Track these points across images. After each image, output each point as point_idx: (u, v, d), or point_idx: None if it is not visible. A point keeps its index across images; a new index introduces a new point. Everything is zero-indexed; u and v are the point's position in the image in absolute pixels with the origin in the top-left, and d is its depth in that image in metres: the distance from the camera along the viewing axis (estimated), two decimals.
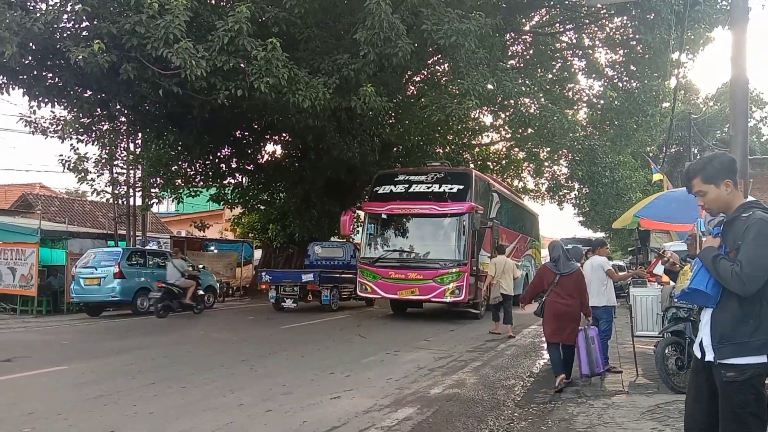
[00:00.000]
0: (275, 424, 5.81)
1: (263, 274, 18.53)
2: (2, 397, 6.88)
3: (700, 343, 3.05)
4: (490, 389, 7.51)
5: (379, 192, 16.59)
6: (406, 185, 16.28)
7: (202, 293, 17.42)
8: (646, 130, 24.84)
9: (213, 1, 15.58)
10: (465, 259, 15.03)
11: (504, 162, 31.86)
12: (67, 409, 6.19)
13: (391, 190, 16.37)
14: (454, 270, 14.86)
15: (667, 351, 7.12)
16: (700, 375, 3.08)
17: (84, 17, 12.62)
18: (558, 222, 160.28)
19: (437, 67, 24.14)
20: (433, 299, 15.29)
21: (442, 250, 15.45)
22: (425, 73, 24.65)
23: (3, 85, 14.25)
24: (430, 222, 16.01)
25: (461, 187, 15.81)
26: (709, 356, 2.96)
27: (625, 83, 23.29)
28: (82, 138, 19.57)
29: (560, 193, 32.67)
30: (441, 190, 15.85)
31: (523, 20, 23.51)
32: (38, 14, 12.48)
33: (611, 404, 6.48)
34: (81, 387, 7.37)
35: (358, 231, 21.30)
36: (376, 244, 16.36)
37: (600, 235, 40.49)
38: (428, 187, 16.01)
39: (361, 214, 18.43)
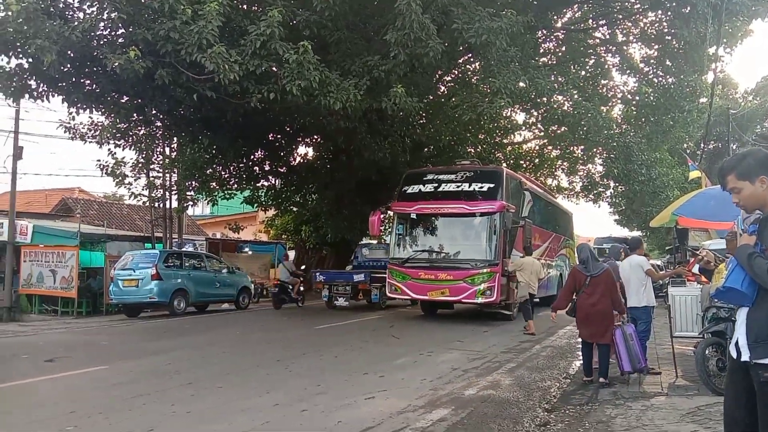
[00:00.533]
0: (310, 424, 5.85)
1: (317, 274, 19.56)
2: (45, 396, 7.06)
3: (736, 343, 2.97)
4: (526, 390, 7.43)
5: (407, 192, 16.36)
6: (435, 184, 16.04)
7: (302, 289, 20.30)
8: (683, 127, 24.33)
9: (245, 6, 15.74)
10: (496, 259, 14.73)
11: (537, 160, 31.53)
12: (107, 408, 6.33)
13: (419, 190, 16.15)
14: (485, 270, 14.58)
15: (707, 352, 6.96)
16: (737, 375, 3.00)
17: (120, 24, 12.89)
18: (593, 221, 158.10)
19: (468, 66, 24.01)
20: (464, 300, 15.02)
21: (473, 250, 15.16)
22: (456, 72, 24.54)
23: (43, 93, 14.63)
24: (460, 221, 15.71)
25: (492, 185, 15.47)
26: (745, 356, 2.88)
27: (660, 79, 22.83)
28: (119, 143, 20.01)
29: (595, 191, 32.17)
30: (471, 188, 15.56)
31: (555, 17, 23.23)
32: (76, 23, 12.79)
33: (650, 406, 6.36)
34: (120, 386, 7.53)
35: (389, 231, 21.32)
36: (405, 245, 16.14)
37: (636, 233, 39.81)
38: (458, 186, 15.74)
39: (390, 214, 18.26)
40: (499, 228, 14.83)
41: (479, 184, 15.57)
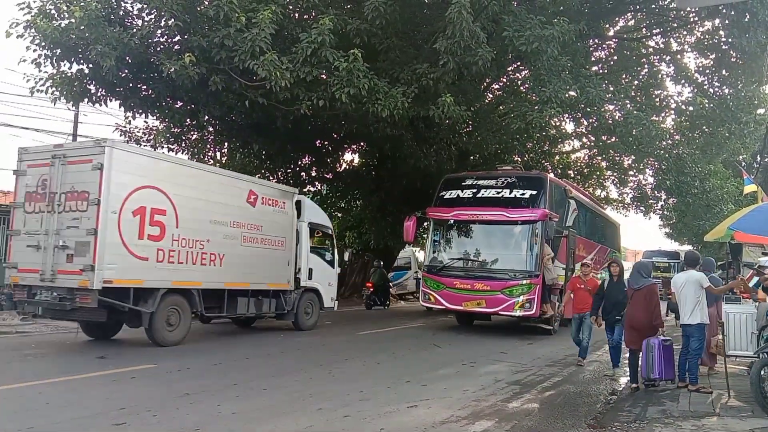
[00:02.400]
0: (353, 430, 5.88)
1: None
2: (96, 391, 7.27)
3: None
4: (571, 406, 7.31)
5: (445, 197, 15.77)
6: (475, 190, 15.43)
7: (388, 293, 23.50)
8: (739, 138, 23.48)
9: (297, 15, 16.01)
10: (537, 270, 14.12)
11: (586, 171, 30.98)
12: (155, 406, 6.48)
13: (458, 195, 15.56)
14: (524, 282, 14.01)
15: (763, 372, 6.70)
16: None
17: (176, 32, 13.30)
18: (642, 233, 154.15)
19: (517, 75, 23.81)
20: (501, 312, 14.40)
21: (512, 259, 14.55)
22: (504, 80, 24.35)
23: (102, 97, 15.17)
24: (499, 229, 15.02)
25: (534, 192, 14.87)
26: None
27: (716, 89, 22.16)
28: (172, 147, 20.53)
29: (646, 203, 31.41)
30: (512, 195, 14.93)
31: (607, 26, 22.85)
32: (135, 30, 13.25)
33: (701, 426, 6.17)
34: (169, 385, 7.71)
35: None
36: (441, 252, 15.54)
37: (687, 247, 38.74)
38: (498, 192, 15.11)
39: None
40: (540, 237, 14.22)
41: (521, 191, 15.00)
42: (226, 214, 11.99)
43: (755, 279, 10.51)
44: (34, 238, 10.09)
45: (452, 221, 15.32)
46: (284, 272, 13.65)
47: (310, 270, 14.46)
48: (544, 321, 15.06)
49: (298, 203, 14.31)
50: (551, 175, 17.76)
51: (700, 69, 22.90)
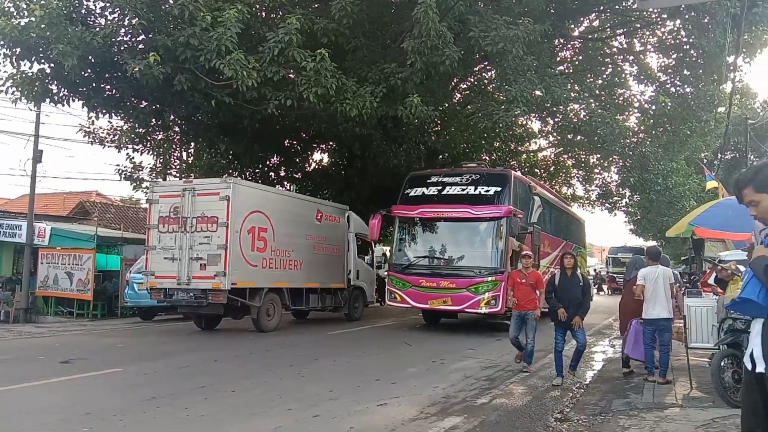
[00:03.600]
0: (323, 430, 5.87)
1: None
2: (61, 397, 7.14)
3: (751, 355, 2.96)
4: (539, 400, 7.41)
5: (410, 194, 15.61)
6: (440, 187, 15.31)
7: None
8: (701, 136, 24.09)
9: (264, 14, 15.91)
10: (502, 266, 13.97)
11: (552, 169, 31.43)
12: (122, 411, 6.39)
13: (423, 193, 15.45)
14: (490, 278, 13.88)
15: (723, 363, 6.88)
16: (753, 387, 2.99)
17: (140, 31, 13.11)
18: (608, 230, 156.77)
19: (484, 74, 24.02)
20: (467, 310, 14.29)
21: (477, 257, 14.43)
22: (472, 80, 24.55)
23: (64, 97, 14.87)
24: (465, 227, 14.98)
25: (498, 189, 14.75)
26: (760, 367, 2.87)
27: (678, 88, 22.67)
28: (137, 147, 20.23)
29: (611, 200, 31.99)
30: (477, 192, 14.83)
31: (573, 26, 23.18)
32: (98, 29, 13.03)
33: (664, 417, 6.31)
34: (135, 389, 7.60)
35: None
36: (406, 250, 15.41)
37: (651, 243, 39.50)
38: (463, 189, 14.98)
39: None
40: (505, 234, 14.15)
41: (485, 188, 14.90)
42: (303, 229, 15.37)
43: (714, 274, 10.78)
44: (169, 251, 13.01)
45: (417, 219, 15.24)
46: (341, 274, 16.94)
47: (357, 271, 17.60)
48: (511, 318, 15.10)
49: (348, 217, 17.63)
50: (517, 172, 17.56)
51: (663, 68, 23.41)
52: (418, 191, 15.61)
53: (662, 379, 8.11)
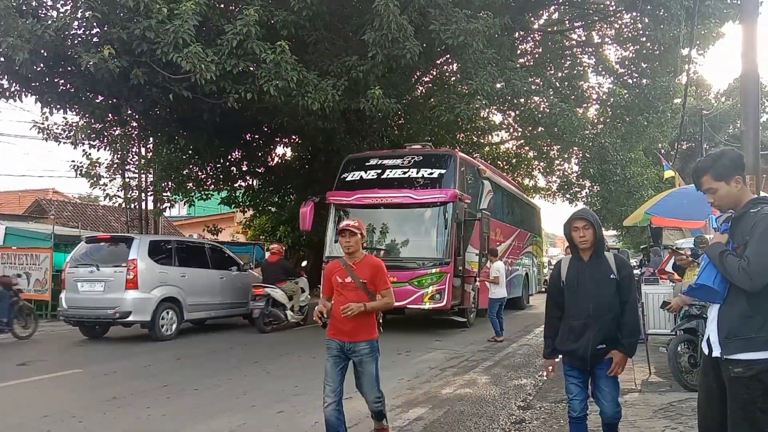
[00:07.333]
0: (287, 425, 5.85)
1: None
2: (18, 400, 6.96)
3: (708, 339, 3.04)
4: (502, 388, 7.51)
5: (347, 179, 14.31)
6: (379, 170, 14.08)
7: None
8: (657, 127, 24.64)
9: (222, 6, 15.64)
10: (447, 257, 12.85)
11: (514, 161, 31.76)
12: (81, 412, 6.26)
13: (360, 177, 14.15)
14: (434, 270, 12.68)
15: (679, 349, 7.08)
16: (710, 374, 3.07)
17: (94, 23, 12.72)
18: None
19: (446, 68, 24.10)
20: (409, 305, 12.74)
21: (420, 247, 13.29)
22: (434, 73, 24.62)
23: (16, 93, 14.38)
24: (405, 213, 13.56)
25: (443, 171, 13.65)
26: (716, 352, 2.96)
27: (635, 80, 23.13)
28: (94, 143, 19.70)
29: (571, 191, 32.50)
30: (419, 175, 13.63)
31: (532, 18, 23.43)
32: (49, 21, 12.62)
33: (623, 402, 6.41)
34: (95, 389, 7.45)
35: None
36: None
37: (611, 233, 40.35)
38: (404, 173, 13.79)
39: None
40: (450, 221, 13.00)
41: (428, 170, 13.73)
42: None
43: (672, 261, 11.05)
44: None
45: (353, 206, 13.74)
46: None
47: None
48: (458, 313, 14.02)
49: None
50: (463, 154, 16.26)
51: (620, 61, 23.86)
52: (356, 175, 14.35)
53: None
